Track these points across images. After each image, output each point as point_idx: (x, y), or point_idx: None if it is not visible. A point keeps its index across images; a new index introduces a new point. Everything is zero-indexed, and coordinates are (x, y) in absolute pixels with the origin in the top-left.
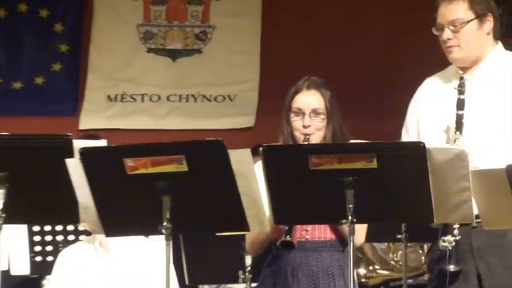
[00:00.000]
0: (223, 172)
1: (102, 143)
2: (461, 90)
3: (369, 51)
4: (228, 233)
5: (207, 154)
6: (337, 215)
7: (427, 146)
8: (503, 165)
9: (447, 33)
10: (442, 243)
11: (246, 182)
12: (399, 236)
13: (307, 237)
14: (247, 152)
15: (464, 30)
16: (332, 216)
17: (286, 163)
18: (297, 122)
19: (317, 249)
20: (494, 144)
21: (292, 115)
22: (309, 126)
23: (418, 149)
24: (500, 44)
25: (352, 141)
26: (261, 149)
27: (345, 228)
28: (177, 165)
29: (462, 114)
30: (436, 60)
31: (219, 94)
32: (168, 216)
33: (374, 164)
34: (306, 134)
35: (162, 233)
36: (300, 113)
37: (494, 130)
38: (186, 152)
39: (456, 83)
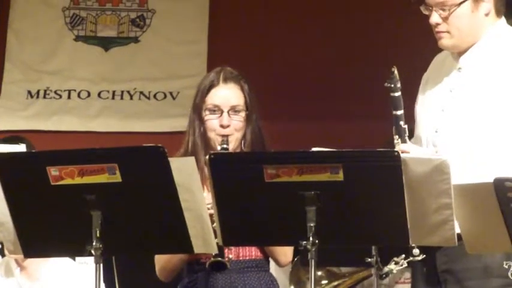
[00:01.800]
0: (163, 184)
1: (21, 148)
2: (391, 87)
3: (322, 45)
4: (168, 254)
5: (144, 162)
6: (296, 236)
7: (402, 155)
8: (490, 178)
9: (435, 18)
10: (388, 266)
11: (190, 195)
12: (369, 260)
13: (230, 256)
14: (191, 161)
15: (455, 15)
16: (290, 237)
17: (238, 174)
18: (212, 121)
19: (243, 271)
20: (478, 149)
21: (206, 113)
22: (228, 125)
23: (391, 159)
24: (502, 20)
25: (314, 148)
26: (207, 157)
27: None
28: (108, 175)
29: (401, 115)
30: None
31: (159, 91)
32: (98, 234)
33: (340, 177)
34: (224, 135)
35: (91, 254)
36: (217, 110)
37: (480, 132)
38: (119, 159)
39: (451, 70)
